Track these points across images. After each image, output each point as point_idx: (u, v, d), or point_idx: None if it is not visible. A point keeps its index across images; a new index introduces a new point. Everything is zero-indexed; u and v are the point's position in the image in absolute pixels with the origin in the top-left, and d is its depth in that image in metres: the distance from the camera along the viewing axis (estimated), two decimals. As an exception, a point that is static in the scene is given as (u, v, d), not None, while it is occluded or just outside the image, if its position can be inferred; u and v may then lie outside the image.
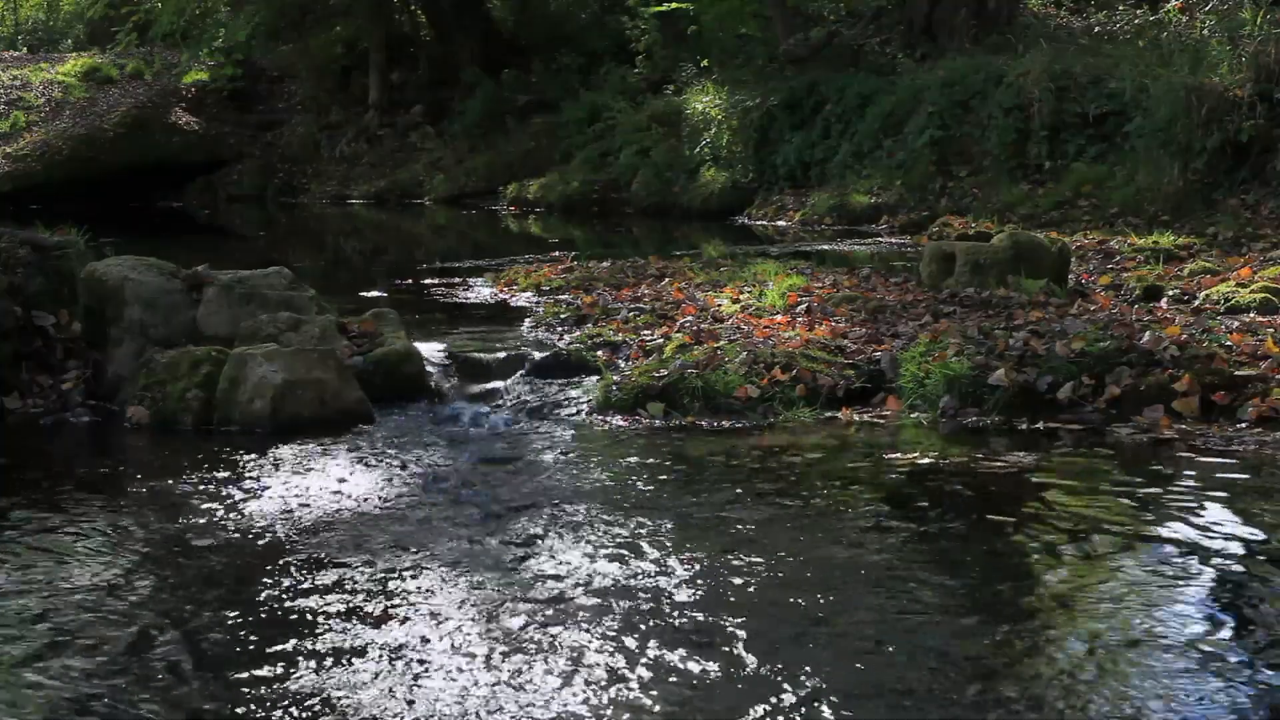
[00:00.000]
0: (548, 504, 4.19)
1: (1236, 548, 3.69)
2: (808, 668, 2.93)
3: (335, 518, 4.09)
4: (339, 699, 2.80)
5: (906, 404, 5.39)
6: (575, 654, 3.00)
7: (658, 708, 2.74)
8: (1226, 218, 9.35)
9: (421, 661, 2.97)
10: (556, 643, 3.06)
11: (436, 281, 9.13)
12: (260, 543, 3.86)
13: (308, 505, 4.21)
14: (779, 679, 2.86)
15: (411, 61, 20.44)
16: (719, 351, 5.75)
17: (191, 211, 18.28)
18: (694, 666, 2.93)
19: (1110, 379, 5.24)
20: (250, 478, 4.54)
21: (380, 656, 3.00)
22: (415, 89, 19.92)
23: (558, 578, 3.51)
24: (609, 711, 2.73)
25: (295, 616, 3.27)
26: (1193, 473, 4.42)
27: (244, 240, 15.57)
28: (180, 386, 5.41)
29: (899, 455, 4.74)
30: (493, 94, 18.43)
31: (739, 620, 3.20)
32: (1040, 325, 5.85)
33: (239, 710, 2.78)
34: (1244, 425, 4.91)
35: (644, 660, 2.97)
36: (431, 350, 6.03)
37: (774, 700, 2.77)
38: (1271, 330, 5.78)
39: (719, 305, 7.01)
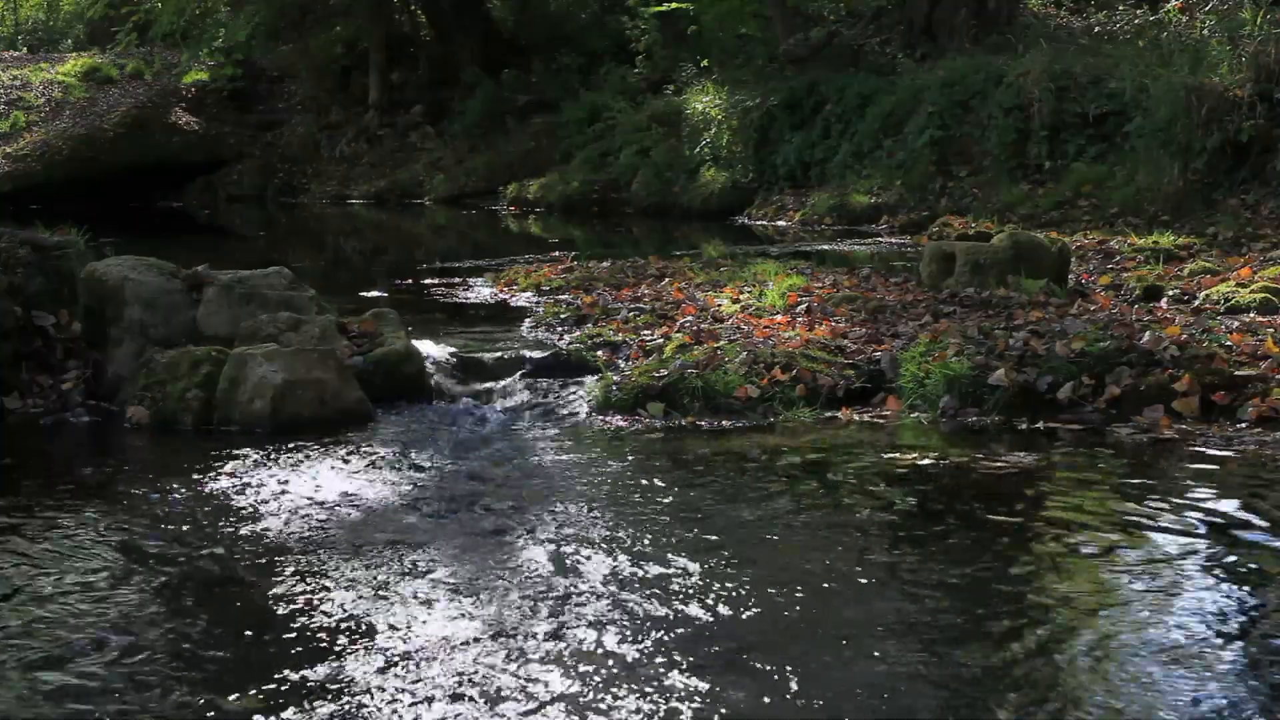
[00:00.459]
0: (548, 504, 4.19)
1: (1237, 548, 3.69)
2: (807, 668, 2.93)
3: (335, 518, 4.09)
4: (339, 698, 2.80)
5: (906, 404, 5.39)
6: (575, 654, 3.00)
7: (657, 708, 2.74)
8: (1226, 218, 9.35)
9: (422, 662, 2.97)
10: (557, 643, 3.06)
11: (436, 281, 9.13)
12: (260, 543, 3.86)
13: (308, 505, 4.21)
14: (778, 679, 2.86)
15: (411, 61, 20.44)
16: (719, 351, 5.75)
17: (191, 211, 18.28)
18: (693, 666, 2.93)
19: (1110, 379, 5.25)
20: (250, 478, 4.54)
21: (380, 656, 3.00)
22: (415, 89, 19.92)
23: (558, 578, 3.50)
24: (608, 711, 2.73)
25: (296, 617, 3.27)
26: (1193, 473, 4.42)
27: (244, 240, 15.57)
28: (180, 386, 5.41)
29: (899, 455, 4.74)
30: (493, 94, 18.43)
31: (739, 620, 3.20)
32: (1040, 325, 5.85)
33: (239, 710, 2.78)
34: (1244, 425, 4.91)
35: (644, 660, 2.96)
36: (431, 350, 6.03)
37: (773, 700, 2.77)
38: (1271, 330, 5.78)
39: (719, 305, 7.01)
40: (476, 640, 3.09)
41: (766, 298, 7.06)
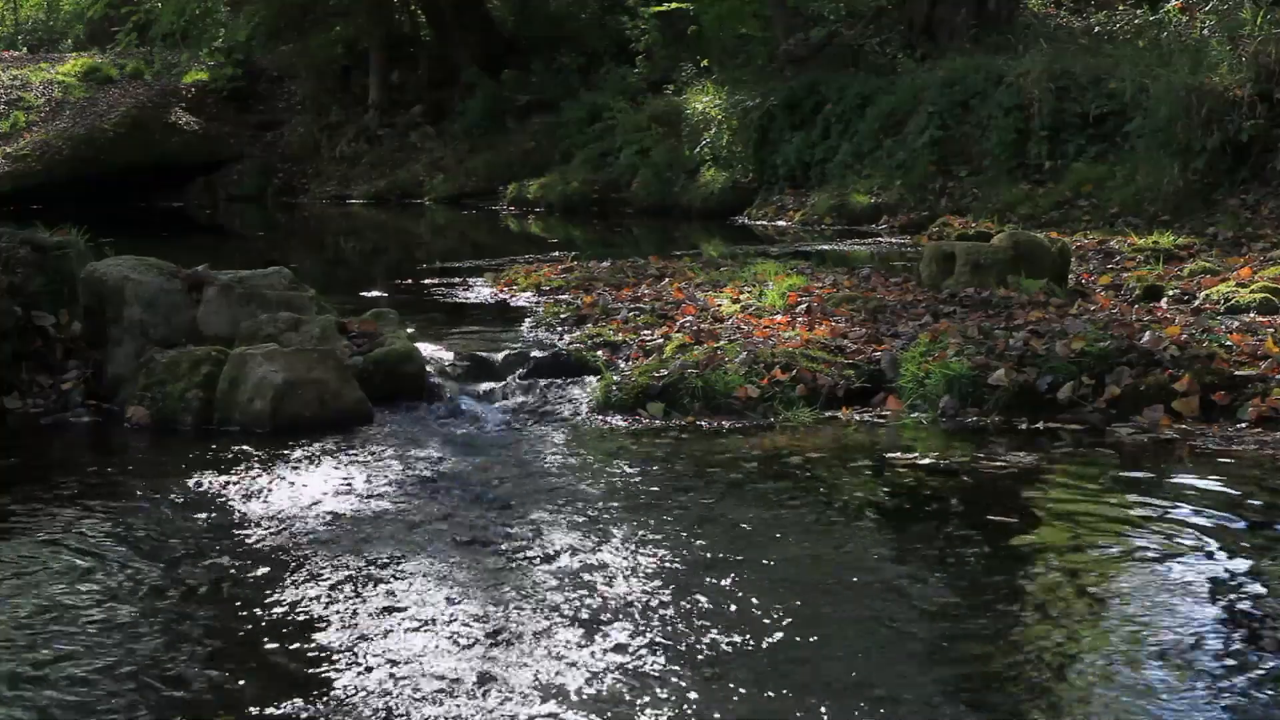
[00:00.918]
0: (547, 504, 4.19)
1: (1237, 548, 3.69)
2: (806, 668, 2.93)
3: (335, 518, 4.09)
4: (339, 698, 2.80)
5: (906, 404, 5.39)
6: (575, 654, 3.00)
7: (656, 708, 2.74)
8: (1226, 218, 9.35)
9: (421, 662, 2.97)
10: (556, 643, 3.06)
11: (436, 281, 9.13)
12: (260, 543, 3.86)
13: (308, 505, 4.21)
14: (778, 680, 2.86)
15: (411, 61, 20.44)
16: (719, 351, 5.75)
17: (192, 211, 18.28)
18: (694, 667, 2.93)
19: (1110, 379, 5.25)
20: (250, 478, 4.54)
21: (381, 657, 3.00)
22: (415, 89, 19.92)
23: (558, 578, 3.51)
24: (609, 711, 2.73)
25: (296, 617, 3.27)
26: (1193, 473, 4.42)
27: (244, 240, 15.57)
28: (180, 386, 5.41)
29: (899, 455, 4.74)
30: (493, 94, 18.43)
31: (739, 620, 3.20)
32: (1040, 325, 5.85)
33: (239, 710, 2.78)
34: (1244, 425, 4.91)
35: (643, 660, 2.96)
36: (431, 350, 6.03)
37: (773, 701, 2.77)
38: (1271, 330, 5.78)
39: (719, 305, 7.01)
40: (476, 640, 3.09)
41: (766, 298, 7.06)
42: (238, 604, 3.39)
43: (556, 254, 10.36)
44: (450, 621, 3.21)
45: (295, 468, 4.66)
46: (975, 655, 3.00)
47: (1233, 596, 3.34)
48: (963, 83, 12.70)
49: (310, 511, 4.14)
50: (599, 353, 6.06)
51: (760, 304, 6.97)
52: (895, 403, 5.41)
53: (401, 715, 2.72)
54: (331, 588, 3.46)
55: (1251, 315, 6.29)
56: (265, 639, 3.14)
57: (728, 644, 3.05)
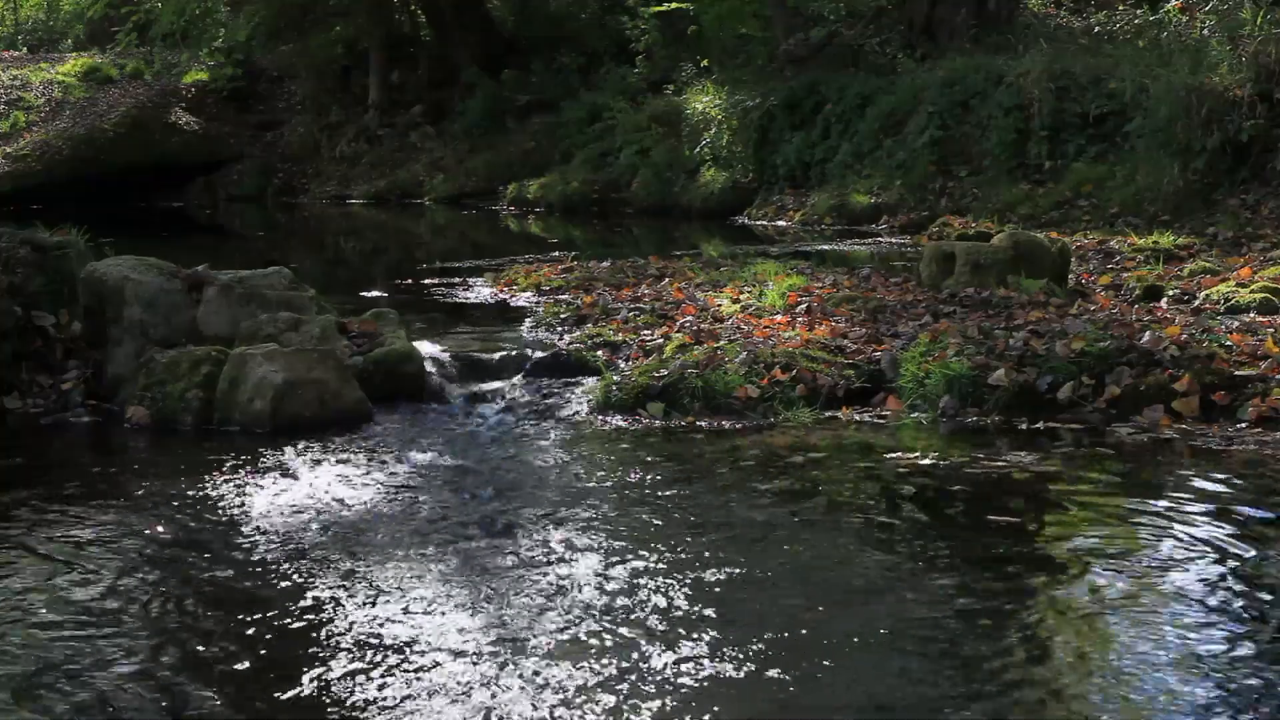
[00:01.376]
0: (548, 504, 4.19)
1: (1237, 548, 3.69)
2: (806, 669, 2.93)
3: (335, 518, 4.09)
4: (339, 698, 2.80)
5: (906, 404, 5.39)
6: (574, 654, 3.00)
7: (655, 708, 2.74)
8: (1226, 218, 9.35)
9: (421, 661, 2.97)
10: (555, 643, 3.06)
11: (436, 281, 9.13)
12: (260, 543, 3.86)
13: (308, 505, 4.21)
14: (777, 680, 2.86)
15: (411, 61, 20.43)
16: (719, 351, 5.75)
17: (191, 211, 18.28)
18: (693, 667, 2.93)
19: (1110, 379, 5.24)
20: (250, 478, 4.54)
21: (380, 656, 3.00)
22: (415, 89, 19.91)
23: (557, 578, 3.51)
24: (609, 711, 2.73)
25: (296, 616, 3.27)
26: (1193, 473, 4.42)
27: (244, 240, 15.57)
28: (180, 386, 5.41)
29: (899, 455, 4.74)
30: (493, 94, 18.42)
31: (739, 621, 3.20)
32: (1040, 325, 5.85)
33: (239, 710, 2.78)
34: (1244, 425, 4.91)
35: (643, 661, 2.97)
36: (431, 350, 6.03)
37: (772, 701, 2.77)
38: (1271, 330, 5.77)
39: (719, 305, 7.00)
40: (476, 641, 3.08)
41: (766, 298, 7.05)
42: (237, 604, 3.39)
43: (556, 254, 10.36)
44: (450, 621, 3.21)
45: (295, 468, 4.66)
46: (975, 655, 3.00)
47: (1233, 597, 3.34)
48: (963, 83, 12.69)
49: (310, 511, 4.14)
50: (599, 353, 6.06)
51: (760, 304, 6.97)
52: (895, 403, 5.41)
53: (401, 714, 2.72)
54: (331, 588, 3.46)
55: (1251, 315, 6.29)
56: (265, 639, 3.14)
57: (727, 644, 3.05)
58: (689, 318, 6.66)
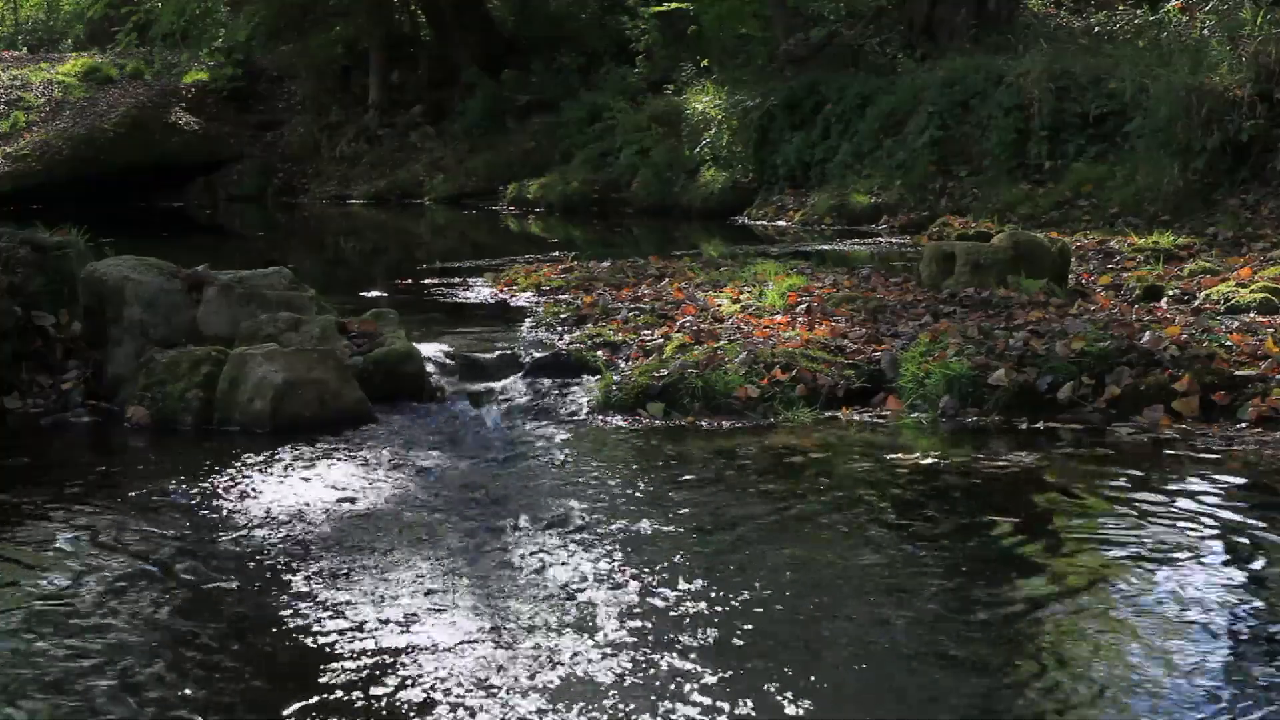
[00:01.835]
0: (548, 504, 4.19)
1: (1237, 548, 3.69)
2: (806, 669, 2.93)
3: (335, 518, 4.09)
4: (339, 699, 2.80)
5: (906, 404, 5.39)
6: (574, 655, 3.00)
7: (656, 708, 2.74)
8: (1226, 218, 9.35)
9: (421, 662, 2.97)
10: (555, 643, 3.06)
11: (436, 281, 9.13)
12: (260, 544, 3.86)
13: (308, 506, 4.21)
14: (777, 680, 2.86)
15: (411, 61, 20.43)
16: (719, 351, 5.75)
17: (191, 211, 18.28)
18: (693, 668, 2.93)
19: (1110, 379, 5.24)
20: (250, 478, 4.54)
21: (380, 656, 3.00)
22: (415, 89, 19.91)
23: (557, 578, 3.51)
24: (609, 711, 2.73)
25: (295, 616, 3.27)
26: (1193, 473, 4.42)
27: (244, 240, 15.58)
28: (180, 386, 5.41)
29: (899, 455, 4.74)
30: (493, 94, 18.42)
31: (738, 621, 3.20)
32: (1040, 325, 5.85)
33: (238, 710, 2.78)
34: (1244, 425, 4.91)
35: (642, 661, 2.96)
36: (431, 350, 6.03)
37: (772, 702, 2.77)
38: (1271, 330, 5.78)
39: (719, 305, 7.01)
40: (476, 641, 3.08)
41: (766, 298, 7.05)
42: (237, 604, 3.39)
43: (556, 254, 10.36)
44: (450, 621, 3.21)
45: (295, 468, 4.66)
46: (975, 655, 3.00)
47: (1234, 597, 3.34)
48: (963, 83, 12.70)
49: (310, 511, 4.14)
50: (599, 353, 6.06)
51: (760, 304, 6.97)
52: (895, 403, 5.41)
53: (401, 715, 2.72)
54: (331, 588, 3.46)
55: (1251, 315, 6.29)
56: (265, 639, 3.14)
57: (727, 644, 3.05)
58: (689, 318, 6.67)
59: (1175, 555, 3.62)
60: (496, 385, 5.79)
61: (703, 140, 14.94)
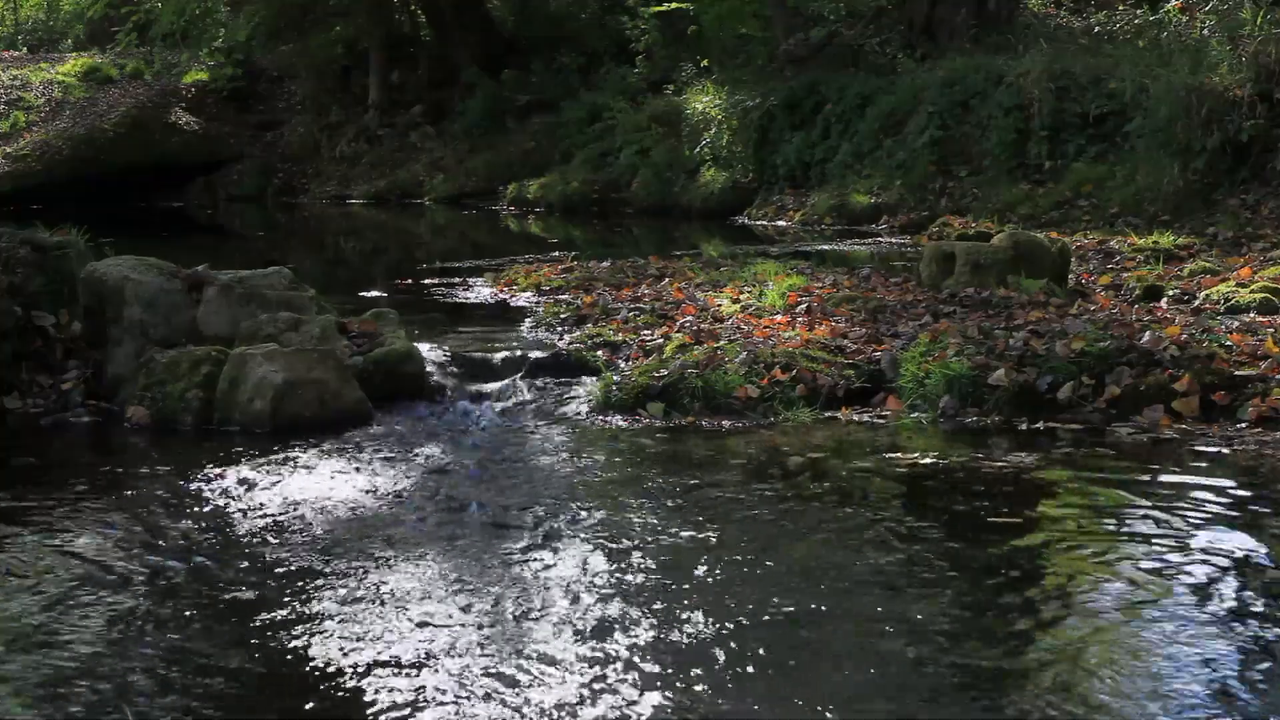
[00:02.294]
0: (548, 504, 4.19)
1: (1237, 548, 3.69)
2: (806, 669, 2.93)
3: (335, 518, 4.09)
4: (339, 699, 2.80)
5: (906, 404, 5.39)
6: (573, 655, 3.00)
7: (654, 709, 2.74)
8: (1226, 218, 9.34)
9: (421, 662, 2.97)
10: (557, 643, 3.06)
11: (436, 281, 9.13)
12: (260, 544, 3.86)
13: (308, 505, 4.21)
14: (777, 680, 2.86)
15: (411, 61, 20.43)
16: (719, 351, 5.75)
17: (192, 211, 18.28)
18: (693, 668, 2.93)
19: (1110, 379, 5.24)
20: (250, 478, 4.54)
21: (380, 656, 3.00)
22: (415, 89, 19.91)
23: (558, 578, 3.51)
24: (606, 712, 2.73)
25: (295, 616, 3.27)
26: (1193, 473, 4.42)
27: (244, 240, 15.57)
28: (180, 386, 5.41)
29: (899, 455, 4.74)
30: (493, 94, 18.42)
31: (738, 621, 3.20)
32: (1040, 325, 5.85)
33: (237, 710, 2.78)
34: (1244, 425, 4.91)
35: (642, 661, 2.97)
36: (431, 350, 6.03)
37: (772, 701, 2.77)
38: (1271, 330, 5.77)
39: (719, 305, 7.00)
40: (477, 641, 3.08)
41: (766, 298, 7.05)
42: (237, 604, 3.39)
43: (556, 254, 10.36)
44: (450, 621, 3.21)
45: (295, 468, 4.66)
46: (975, 655, 3.00)
47: (1233, 597, 3.34)
48: (963, 83, 12.69)
49: (310, 512, 4.14)
50: (599, 353, 6.06)
51: (760, 304, 6.97)
52: (895, 403, 5.41)
53: (401, 715, 2.72)
54: (331, 588, 3.46)
55: (1251, 315, 6.29)
56: (265, 639, 3.14)
57: (727, 644, 3.05)
58: (689, 318, 6.67)
59: (1175, 555, 3.62)
60: (496, 385, 5.79)
61: (703, 140, 14.94)
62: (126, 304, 5.82)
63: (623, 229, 14.36)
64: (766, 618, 3.22)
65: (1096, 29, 14.40)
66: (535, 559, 3.66)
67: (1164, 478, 4.39)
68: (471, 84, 18.75)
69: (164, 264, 6.10)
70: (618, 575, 3.52)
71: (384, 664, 2.96)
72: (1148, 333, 5.59)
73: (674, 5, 17.00)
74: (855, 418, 5.32)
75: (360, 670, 2.93)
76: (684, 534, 3.88)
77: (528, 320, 7.27)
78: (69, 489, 4.48)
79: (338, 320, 6.09)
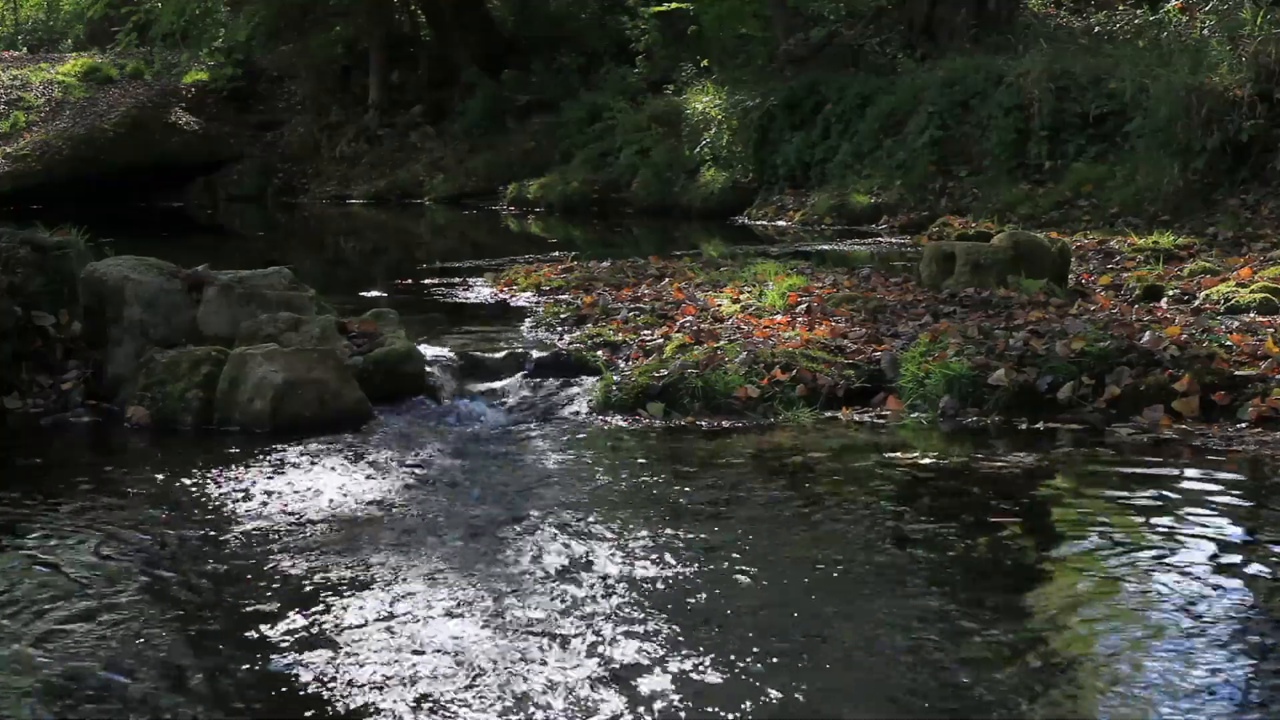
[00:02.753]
0: (548, 504, 4.19)
1: (1237, 548, 3.69)
2: (806, 669, 2.93)
3: (335, 518, 4.09)
4: (339, 699, 2.80)
5: (906, 404, 5.39)
6: (573, 655, 3.00)
7: (654, 709, 2.74)
8: (1226, 218, 9.35)
9: (421, 661, 2.97)
10: (555, 642, 3.06)
11: (436, 281, 9.13)
12: (260, 544, 3.86)
13: (308, 505, 4.21)
14: (777, 681, 2.86)
15: (411, 61, 20.43)
16: (719, 351, 5.75)
17: (192, 211, 18.28)
18: (692, 668, 2.93)
19: (1110, 379, 5.25)
20: (250, 478, 4.54)
21: (380, 656, 3.00)
22: (415, 89, 19.90)
23: (557, 578, 3.51)
24: (606, 712, 2.73)
25: (295, 617, 3.27)
26: (1193, 473, 4.42)
27: (244, 240, 15.57)
28: (180, 386, 5.41)
29: (899, 455, 4.74)
30: (493, 94, 18.42)
31: (739, 621, 3.20)
32: (1040, 325, 5.85)
33: (237, 711, 2.78)
34: (1244, 425, 4.91)
35: (641, 662, 2.97)
36: (431, 350, 6.03)
37: (772, 702, 2.77)
38: (1271, 330, 5.78)
39: (719, 305, 7.00)
40: (476, 641, 3.08)
41: (766, 298, 7.05)
42: (237, 604, 3.39)
43: (556, 254, 10.35)
44: (450, 621, 3.21)
45: (295, 468, 4.66)
46: (975, 655, 3.00)
47: (1233, 596, 3.34)
48: (963, 83, 12.69)
49: (310, 512, 4.14)
50: (599, 353, 6.06)
51: (760, 304, 6.97)
52: (895, 403, 5.41)
53: (401, 713, 2.72)
54: (331, 588, 3.46)
55: (1251, 315, 6.29)
56: (264, 639, 3.14)
57: (726, 644, 3.05)
58: (689, 318, 6.67)
59: (1175, 555, 3.62)
60: (496, 385, 5.79)
61: (703, 140, 14.94)
62: (126, 304, 5.82)
63: (623, 229, 14.36)
64: (766, 617, 3.22)
65: (1096, 29, 14.40)
66: (535, 559, 3.66)
67: (1164, 478, 4.39)
68: (471, 84, 18.75)
69: (164, 264, 6.10)
70: (617, 575, 3.52)
71: (384, 662, 2.96)
72: (1148, 333, 5.59)
73: (674, 5, 17.01)
74: (855, 418, 5.32)
75: (359, 670, 2.93)
76: (683, 534, 3.88)
77: (528, 320, 7.27)
78: (69, 489, 4.48)
79: (338, 320, 6.09)
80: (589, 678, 2.88)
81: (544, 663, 2.95)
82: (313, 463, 4.73)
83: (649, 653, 3.00)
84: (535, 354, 6.02)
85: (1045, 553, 3.73)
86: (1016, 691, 2.83)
